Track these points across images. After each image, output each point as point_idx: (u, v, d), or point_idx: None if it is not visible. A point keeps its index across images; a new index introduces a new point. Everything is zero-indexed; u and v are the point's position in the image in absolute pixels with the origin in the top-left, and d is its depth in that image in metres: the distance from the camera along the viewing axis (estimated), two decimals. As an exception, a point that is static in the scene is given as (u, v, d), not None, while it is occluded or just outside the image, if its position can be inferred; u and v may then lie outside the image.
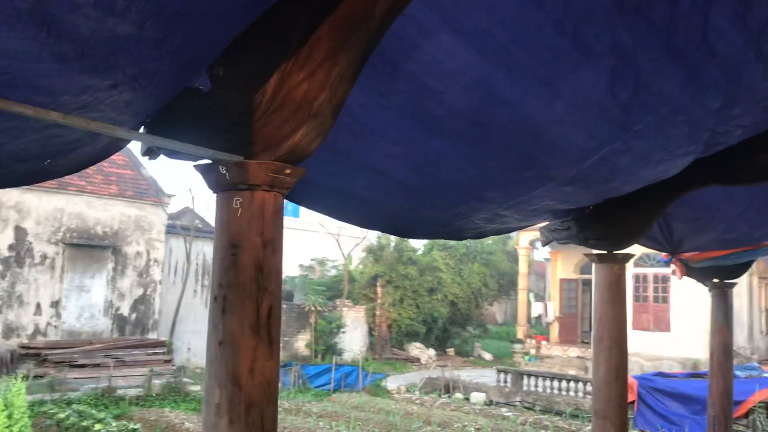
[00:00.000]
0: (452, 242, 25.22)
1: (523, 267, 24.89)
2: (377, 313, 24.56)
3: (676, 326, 20.13)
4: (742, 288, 20.61)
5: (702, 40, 1.83)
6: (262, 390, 1.50)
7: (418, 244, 26.29)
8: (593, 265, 3.51)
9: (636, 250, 3.76)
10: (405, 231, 3.00)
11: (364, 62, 1.49)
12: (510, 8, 1.60)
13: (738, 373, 14.29)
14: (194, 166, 1.56)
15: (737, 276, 5.23)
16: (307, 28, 1.43)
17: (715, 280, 5.23)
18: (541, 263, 31.86)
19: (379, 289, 24.94)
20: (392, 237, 24.43)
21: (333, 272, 26.85)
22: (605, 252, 3.38)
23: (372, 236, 25.76)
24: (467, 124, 1.97)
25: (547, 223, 3.48)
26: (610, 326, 3.38)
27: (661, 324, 20.54)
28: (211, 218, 18.96)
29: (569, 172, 2.30)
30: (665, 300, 20.63)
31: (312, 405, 14.94)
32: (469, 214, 2.57)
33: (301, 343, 21.43)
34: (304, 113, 1.47)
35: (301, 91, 1.45)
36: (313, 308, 21.30)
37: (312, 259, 27.16)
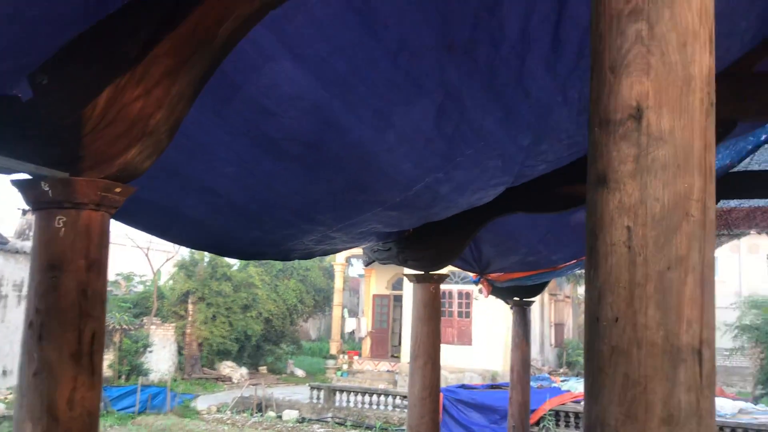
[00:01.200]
0: (268, 258, 24.94)
1: (338, 283, 25.28)
2: (188, 331, 23.65)
3: (477, 340, 21.43)
4: (535, 304, 22.51)
5: (518, 82, 2.01)
6: (82, 422, 1.40)
7: (234, 260, 25.76)
8: (412, 284, 3.68)
9: (445, 269, 3.99)
10: (232, 251, 2.95)
11: (205, 82, 1.46)
12: (350, 41, 1.65)
13: (531, 383, 15.54)
14: (11, 181, 1.44)
15: (535, 295, 5.72)
16: (146, 43, 1.37)
17: (516, 299, 5.67)
18: (356, 279, 32.54)
19: (190, 306, 24.04)
20: (206, 252, 23.71)
21: (140, 288, 25.47)
22: (422, 272, 3.55)
23: (184, 251, 24.83)
24: (302, 148, 1.99)
25: (370, 243, 3.59)
26: (426, 344, 3.55)
27: (464, 338, 21.77)
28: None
29: (396, 198, 2.40)
30: (468, 315, 21.92)
31: (114, 430, 14.02)
32: (299, 235, 2.59)
33: (104, 363, 20.04)
34: (139, 131, 1.41)
35: (137, 107, 1.39)
36: (117, 326, 20.04)
37: (117, 274, 25.57)
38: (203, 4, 1.35)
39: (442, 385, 17.00)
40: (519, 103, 2.12)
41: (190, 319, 23.83)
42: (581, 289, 24.40)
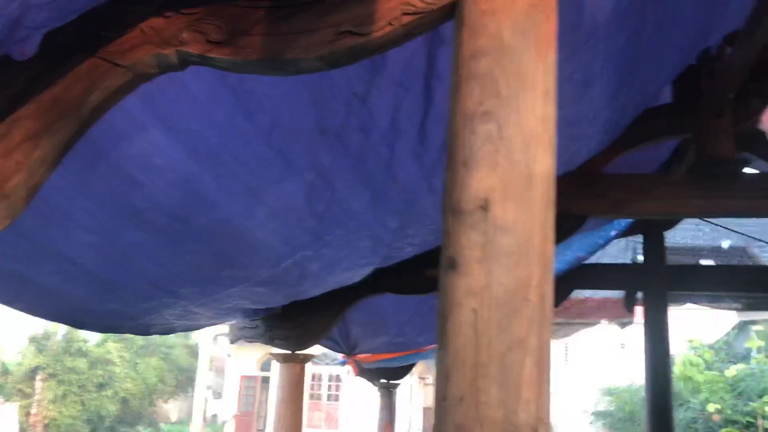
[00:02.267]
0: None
1: (203, 362, 24.22)
2: (33, 411, 21.69)
3: (345, 424, 21.09)
4: (404, 388, 22.55)
5: (387, 169, 2.11)
6: None
7: (92, 334, 24.15)
8: (278, 364, 3.62)
9: (316, 349, 3.97)
10: (88, 323, 2.80)
11: (69, 148, 1.43)
12: (222, 117, 1.68)
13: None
14: None
15: (401, 377, 5.77)
16: (8, 104, 1.34)
17: (383, 381, 5.69)
18: (223, 359, 31.37)
19: (39, 383, 22.14)
20: (62, 325, 22.16)
21: (-20, 363, 23.24)
22: (289, 352, 3.52)
23: (38, 323, 23.04)
24: (168, 220, 1.97)
25: (237, 321, 3.52)
26: (288, 425, 3.48)
27: (332, 421, 21.37)
28: None
29: (264, 274, 2.39)
30: (337, 398, 21.61)
31: None
32: (159, 309, 2.51)
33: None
34: (-7, 193, 1.35)
35: (-7, 169, 1.34)
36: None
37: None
38: (72, 71, 1.34)
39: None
40: (387, 188, 2.22)
41: (37, 397, 21.92)
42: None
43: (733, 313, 10.90)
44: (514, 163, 1.14)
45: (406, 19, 1.32)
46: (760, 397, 10.38)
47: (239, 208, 1.97)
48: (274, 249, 2.24)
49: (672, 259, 5.58)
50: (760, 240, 5.50)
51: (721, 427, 10.66)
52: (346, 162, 2.03)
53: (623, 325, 5.82)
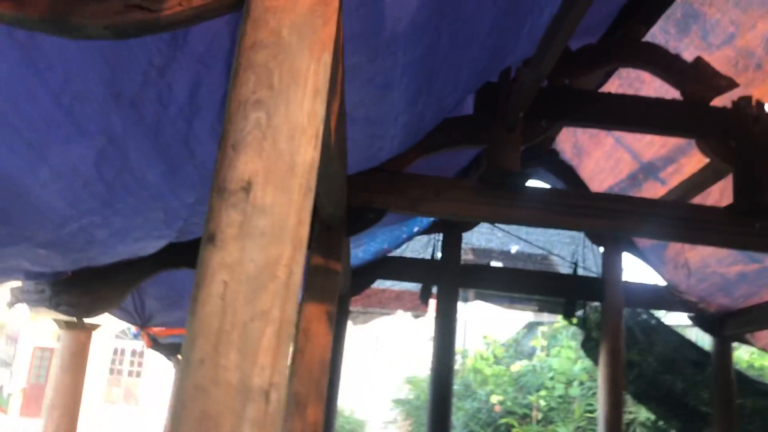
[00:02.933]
0: None
1: (-9, 329, 22.30)
2: None
3: (144, 400, 20.40)
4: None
5: (184, 143, 2.14)
6: None
7: None
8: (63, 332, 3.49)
9: (120, 323, 3.87)
10: None
11: None
12: (7, 71, 1.64)
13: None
14: None
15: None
16: None
17: (179, 356, 5.63)
18: (18, 327, 28.98)
19: None
20: None
21: None
22: (75, 320, 3.40)
23: None
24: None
25: (19, 284, 3.35)
26: (66, 395, 3.37)
27: (131, 398, 20.58)
28: None
29: (46, 236, 2.32)
30: (139, 374, 20.83)
31: None
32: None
33: None
34: None
35: None
36: None
37: None
38: None
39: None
40: (184, 162, 2.24)
41: None
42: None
43: (529, 313, 11.93)
44: (278, 151, 1.24)
45: (197, 2, 1.38)
46: (537, 390, 11.47)
47: (20, 165, 1.91)
48: (58, 211, 2.18)
49: (467, 259, 6.05)
50: (543, 249, 6.11)
51: (501, 417, 11.64)
52: (141, 131, 2.03)
53: (417, 316, 6.19)
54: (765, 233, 3.69)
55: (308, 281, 3.48)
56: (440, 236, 5.80)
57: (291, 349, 1.27)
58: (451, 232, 5.74)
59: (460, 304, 5.88)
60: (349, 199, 3.52)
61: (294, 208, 1.26)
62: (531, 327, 14.51)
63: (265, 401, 1.17)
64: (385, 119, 2.85)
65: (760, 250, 4.09)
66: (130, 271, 3.29)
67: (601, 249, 5.70)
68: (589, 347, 6.02)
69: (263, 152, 1.23)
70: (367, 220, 3.64)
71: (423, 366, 18.70)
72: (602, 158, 5.20)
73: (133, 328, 4.72)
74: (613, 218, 3.78)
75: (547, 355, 12.14)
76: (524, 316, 15.04)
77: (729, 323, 5.60)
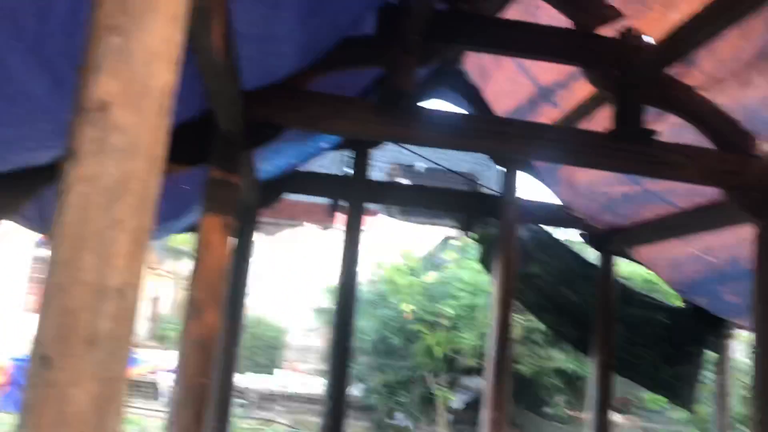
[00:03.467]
0: None
1: None
2: None
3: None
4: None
5: (67, 58, 2.19)
6: None
7: None
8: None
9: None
10: None
11: None
12: None
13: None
14: None
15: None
16: None
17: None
18: None
19: None
20: None
21: None
22: (-28, 226, 3.43)
23: None
24: None
25: None
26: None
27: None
28: None
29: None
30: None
31: None
32: None
33: None
34: None
35: None
36: None
37: None
38: None
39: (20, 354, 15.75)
40: (69, 76, 2.29)
41: None
42: (182, 265, 24.69)
43: (450, 229, 12.35)
44: (135, 74, 1.36)
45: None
46: (446, 300, 12.07)
47: None
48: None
49: (375, 175, 6.24)
50: (440, 166, 6.36)
51: (412, 324, 12.25)
52: (23, 45, 2.07)
53: (326, 228, 6.40)
54: (641, 158, 4.00)
55: (207, 194, 3.60)
56: (349, 153, 5.96)
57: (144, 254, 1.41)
58: (360, 149, 5.90)
59: (384, 219, 6.13)
60: (249, 115, 3.61)
61: (149, 127, 1.38)
62: (445, 241, 15.07)
63: (120, 298, 1.33)
64: (277, 37, 2.93)
65: (636, 173, 4.43)
66: (32, 178, 3.32)
67: (502, 168, 5.98)
68: (486, 261, 6.40)
69: (119, 75, 1.34)
70: (266, 135, 3.74)
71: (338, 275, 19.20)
72: (504, 81, 5.41)
73: (42, 237, 4.73)
74: (503, 141, 4.01)
75: (458, 267, 12.71)
76: (444, 231, 15.53)
77: (614, 240, 6.06)
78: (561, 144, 4.06)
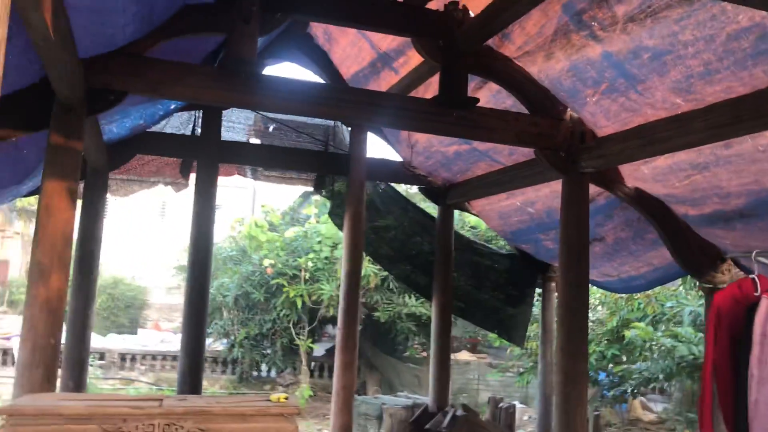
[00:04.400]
0: None
1: None
2: None
3: None
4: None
5: None
6: None
7: None
8: None
9: None
10: None
11: None
12: None
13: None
14: None
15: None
16: None
17: None
18: None
19: None
20: None
21: None
22: None
23: None
24: None
25: None
26: None
27: None
28: None
29: None
30: None
31: None
32: None
33: None
34: None
35: None
36: None
37: None
38: None
39: None
40: None
41: None
42: (33, 227, 23.42)
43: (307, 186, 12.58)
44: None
45: None
46: (306, 254, 12.42)
47: None
48: None
49: (227, 136, 6.37)
50: (289, 127, 6.60)
51: (273, 278, 12.52)
52: None
53: (178, 189, 6.48)
54: (462, 122, 4.44)
55: (48, 160, 3.65)
56: (200, 113, 6.05)
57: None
58: (211, 109, 5.99)
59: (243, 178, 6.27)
60: (88, 82, 3.67)
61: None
62: (306, 196, 15.35)
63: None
64: (111, 10, 3.03)
65: (458, 136, 4.90)
66: None
67: (349, 128, 6.30)
68: (336, 215, 6.76)
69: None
70: (108, 101, 3.82)
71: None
72: (348, 45, 5.68)
73: None
74: (339, 108, 4.32)
75: (318, 222, 13.06)
76: (303, 188, 15.76)
77: (450, 194, 6.60)
78: (392, 110, 4.42)
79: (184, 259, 18.72)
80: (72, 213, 3.72)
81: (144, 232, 24.22)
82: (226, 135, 6.35)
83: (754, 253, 3.80)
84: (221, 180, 6.06)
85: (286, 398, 2.89)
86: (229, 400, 3.23)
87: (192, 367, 5.93)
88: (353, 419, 6.29)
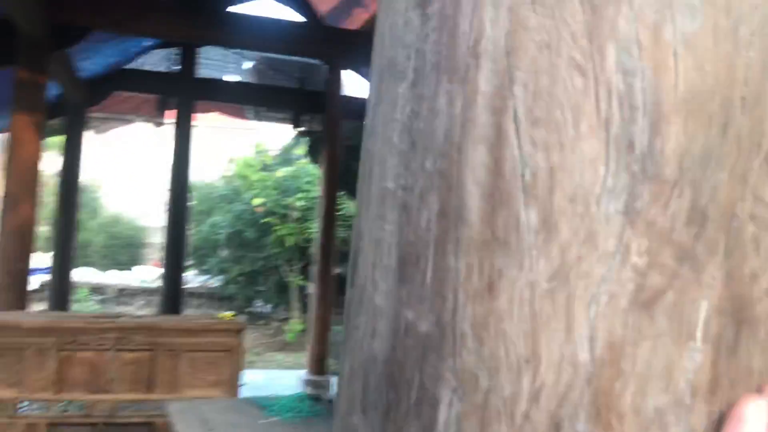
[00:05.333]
0: None
1: None
2: None
3: None
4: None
5: None
6: None
7: None
8: None
9: None
10: None
11: None
12: None
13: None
14: None
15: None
16: None
17: None
18: None
19: None
20: None
21: None
22: None
23: None
24: None
25: None
26: None
27: None
28: None
29: None
30: None
31: None
32: None
33: None
34: None
35: None
36: None
37: None
38: None
39: None
40: None
41: None
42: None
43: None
44: None
45: None
46: (296, 193, 12.59)
47: None
48: None
49: (203, 72, 6.48)
50: (265, 65, 6.68)
51: (264, 217, 12.74)
52: None
53: (158, 125, 6.62)
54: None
55: (16, 95, 3.81)
56: (176, 50, 6.14)
57: None
58: (186, 46, 6.09)
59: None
60: (52, 18, 3.79)
61: None
62: (298, 137, 15.42)
63: None
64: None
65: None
66: None
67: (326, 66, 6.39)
68: (313, 153, 6.91)
69: None
70: (72, 38, 3.95)
71: (199, 172, 19.15)
72: (321, -17, 5.73)
73: None
74: (305, 45, 4.44)
75: (308, 162, 13.19)
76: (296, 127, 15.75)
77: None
78: (364, 48, 4.53)
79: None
80: (38, 145, 3.89)
81: (143, 172, 24.37)
82: (204, 72, 6.46)
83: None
84: (228, 122, 6.19)
85: (233, 316, 3.11)
86: (181, 318, 3.46)
87: (170, 298, 6.20)
88: (328, 348, 6.59)
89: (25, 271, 3.77)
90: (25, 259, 3.77)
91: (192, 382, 2.89)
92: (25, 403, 2.94)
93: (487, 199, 0.24)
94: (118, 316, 3.16)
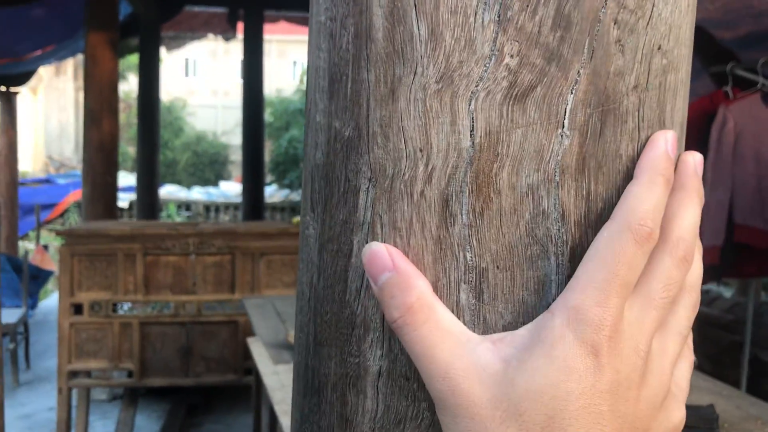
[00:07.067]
0: None
1: None
2: None
3: None
4: (68, 102, 21.82)
5: None
6: None
7: None
8: None
9: None
10: None
11: None
12: None
13: (59, 180, 15.69)
14: None
15: (22, 83, 6.09)
16: None
17: (2, 88, 5.96)
18: None
19: None
20: None
21: None
22: None
23: None
24: None
25: None
26: None
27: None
28: None
29: None
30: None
31: None
32: None
33: None
34: None
35: None
36: None
37: None
38: None
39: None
40: None
41: None
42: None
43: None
44: None
45: None
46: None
47: None
48: None
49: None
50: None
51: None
52: None
53: (228, 39, 6.67)
54: None
55: (89, 13, 3.90)
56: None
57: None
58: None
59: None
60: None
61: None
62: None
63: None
64: None
65: None
66: None
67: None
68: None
69: None
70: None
71: (273, 87, 19.31)
72: None
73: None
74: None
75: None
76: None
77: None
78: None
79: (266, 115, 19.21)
80: (115, 62, 4.01)
81: (222, 89, 24.76)
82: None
83: (760, 63, 3.72)
84: (298, 32, 6.16)
85: (306, 221, 3.20)
86: (257, 223, 3.58)
87: (252, 212, 6.41)
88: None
89: (112, 185, 3.97)
90: (111, 173, 3.96)
91: (270, 283, 3.03)
92: (121, 304, 3.17)
93: (388, 18, 0.29)
94: (198, 224, 3.30)
